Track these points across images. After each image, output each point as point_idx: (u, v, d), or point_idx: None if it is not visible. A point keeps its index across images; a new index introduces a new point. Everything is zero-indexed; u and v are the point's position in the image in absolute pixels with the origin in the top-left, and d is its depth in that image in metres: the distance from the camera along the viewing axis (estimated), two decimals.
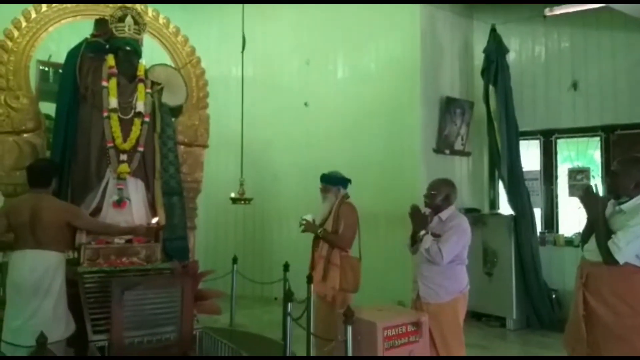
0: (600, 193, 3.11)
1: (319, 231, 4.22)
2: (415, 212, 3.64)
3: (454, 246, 3.48)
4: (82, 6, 4.73)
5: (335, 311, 3.91)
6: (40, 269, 3.44)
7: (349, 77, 7.20)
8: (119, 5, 4.54)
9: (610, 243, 2.82)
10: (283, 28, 7.49)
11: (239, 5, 5.76)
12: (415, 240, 3.65)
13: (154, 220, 4.11)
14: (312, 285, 4.43)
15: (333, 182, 4.32)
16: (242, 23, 5.61)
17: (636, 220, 2.81)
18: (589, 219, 3.06)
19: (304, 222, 4.34)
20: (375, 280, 5.89)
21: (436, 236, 3.53)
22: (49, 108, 4.58)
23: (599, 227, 2.93)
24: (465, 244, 3.58)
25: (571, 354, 3.10)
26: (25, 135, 4.38)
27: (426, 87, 6.52)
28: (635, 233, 2.79)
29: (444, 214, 3.63)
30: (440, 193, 3.65)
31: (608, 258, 2.83)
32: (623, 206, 2.94)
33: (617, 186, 2.98)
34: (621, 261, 2.80)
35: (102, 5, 4.76)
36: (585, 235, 3.11)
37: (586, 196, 2.99)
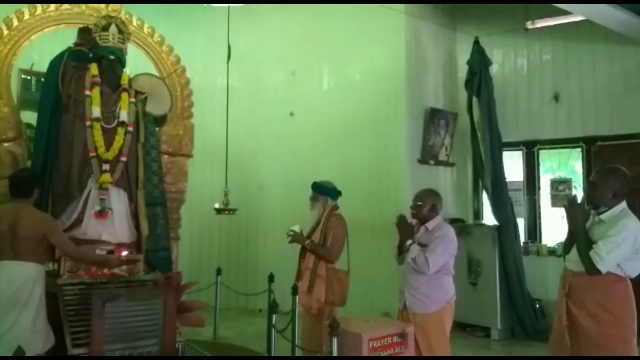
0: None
1: (306, 243, 4.17)
2: (402, 221, 3.65)
3: (441, 256, 3.49)
4: (65, 14, 4.68)
5: (321, 323, 3.88)
6: (18, 280, 3.36)
7: (334, 88, 7.23)
8: (104, 14, 4.52)
9: (592, 253, 2.86)
10: (268, 38, 7.51)
11: (225, 15, 5.76)
12: (401, 250, 3.65)
13: (124, 253, 4.00)
14: (297, 297, 4.39)
15: (321, 191, 4.28)
16: (227, 33, 5.61)
17: (616, 229, 2.86)
18: (570, 229, 3.09)
19: (292, 232, 4.28)
20: (361, 290, 5.86)
21: (423, 246, 3.53)
22: (30, 117, 4.51)
23: (579, 238, 2.96)
24: (451, 254, 3.59)
25: None
26: (5, 144, 4.30)
27: (411, 98, 6.57)
28: (615, 242, 2.83)
29: (430, 224, 3.65)
30: (427, 203, 3.67)
31: (590, 268, 2.87)
32: (602, 216, 2.98)
33: (595, 196, 3.03)
34: (603, 270, 2.85)
35: (86, 14, 4.72)
36: (566, 246, 3.15)
37: (571, 206, 3.03)
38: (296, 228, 4.29)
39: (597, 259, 2.84)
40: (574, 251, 3.02)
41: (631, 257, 2.89)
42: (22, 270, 3.41)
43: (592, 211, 3.05)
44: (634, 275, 2.96)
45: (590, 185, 3.09)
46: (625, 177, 3.01)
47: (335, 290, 4.05)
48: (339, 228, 4.17)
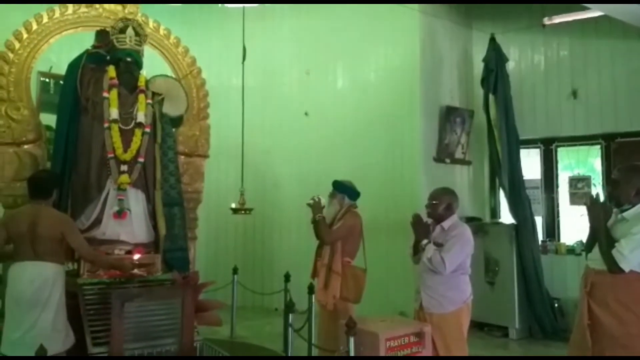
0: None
1: (318, 215, 4.19)
2: (417, 221, 3.62)
3: (457, 255, 3.46)
4: (83, 17, 4.73)
5: (338, 321, 3.89)
6: (39, 280, 3.41)
7: (349, 87, 7.22)
8: (121, 17, 4.57)
9: (614, 251, 2.82)
10: (283, 38, 7.52)
11: (240, 16, 5.79)
12: (417, 250, 3.63)
13: (136, 256, 4.02)
14: (313, 296, 4.40)
15: (340, 189, 4.30)
16: (242, 34, 5.63)
17: (639, 227, 2.82)
18: (591, 228, 3.05)
19: (317, 199, 4.27)
20: (377, 289, 5.83)
21: (439, 245, 3.51)
22: (49, 119, 4.57)
23: (601, 236, 2.93)
24: (468, 253, 3.56)
25: None
26: (25, 146, 4.36)
27: (426, 97, 6.53)
28: (638, 240, 2.79)
29: (446, 223, 3.61)
30: (442, 202, 3.63)
31: (613, 266, 2.83)
32: (625, 214, 2.95)
33: (618, 194, 2.99)
34: (626, 269, 2.80)
35: (103, 17, 4.78)
36: (588, 244, 3.11)
37: (592, 205, 3.00)
38: (322, 199, 4.29)
39: (620, 257, 2.80)
40: (596, 249, 2.98)
41: None
42: (42, 270, 3.46)
43: (615, 209, 3.01)
44: None
45: (612, 183, 3.05)
46: None
47: (350, 287, 4.06)
48: (349, 219, 4.20)
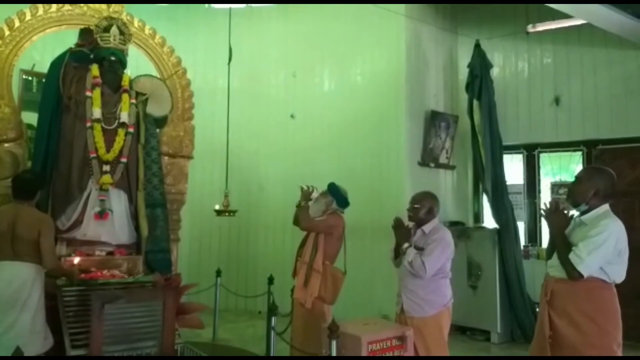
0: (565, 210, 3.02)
1: (303, 203, 4.22)
2: (398, 224, 3.63)
3: (437, 259, 3.47)
4: (67, 15, 4.69)
5: (314, 322, 3.89)
6: (17, 281, 3.37)
7: (335, 90, 7.23)
8: (105, 15, 4.54)
9: (571, 255, 2.71)
10: (269, 40, 7.52)
11: (226, 17, 5.77)
12: (398, 253, 3.64)
13: (77, 260, 3.89)
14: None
15: (333, 192, 4.28)
16: (228, 34, 5.62)
17: (597, 230, 2.72)
18: (551, 234, 2.96)
19: (310, 189, 4.30)
20: (360, 292, 5.87)
21: (419, 249, 3.52)
22: (31, 118, 4.52)
23: (559, 242, 2.84)
24: (448, 257, 3.57)
25: None
26: (6, 145, 4.31)
27: (411, 101, 6.57)
28: (596, 243, 2.68)
29: (427, 227, 3.62)
30: (424, 206, 3.64)
31: (572, 271, 2.72)
32: (584, 217, 2.85)
33: (576, 191, 2.90)
34: (585, 273, 2.69)
35: (87, 15, 4.74)
36: (548, 252, 3.01)
37: (550, 213, 2.91)
38: (316, 191, 4.31)
39: (577, 260, 2.69)
40: (555, 256, 2.87)
41: (614, 260, 2.73)
42: (21, 271, 3.42)
43: (574, 213, 2.93)
44: (619, 281, 2.78)
45: (574, 180, 2.97)
46: (611, 179, 2.87)
47: (328, 287, 4.05)
48: (332, 220, 4.19)
